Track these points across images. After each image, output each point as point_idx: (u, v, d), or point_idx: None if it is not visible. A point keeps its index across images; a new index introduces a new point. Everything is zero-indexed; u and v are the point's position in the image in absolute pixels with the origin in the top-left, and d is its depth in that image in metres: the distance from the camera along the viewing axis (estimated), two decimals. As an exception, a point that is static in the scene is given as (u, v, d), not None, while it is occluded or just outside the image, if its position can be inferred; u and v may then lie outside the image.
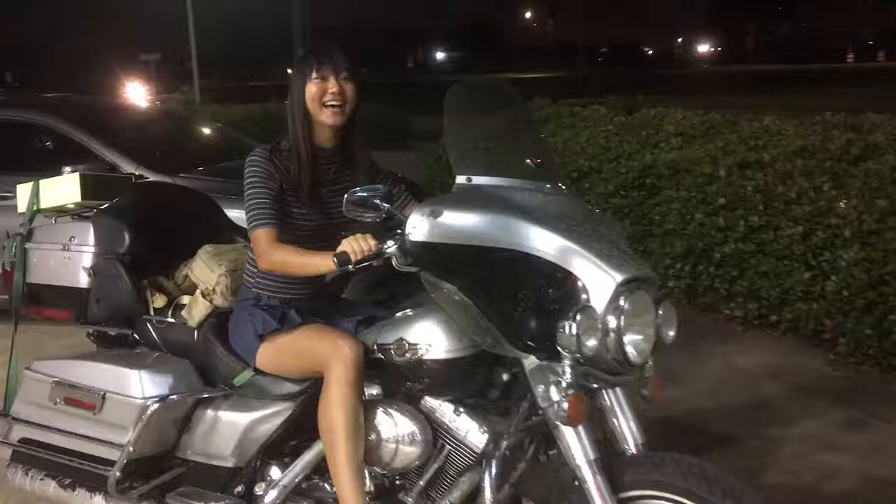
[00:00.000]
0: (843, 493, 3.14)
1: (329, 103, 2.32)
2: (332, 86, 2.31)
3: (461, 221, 2.01)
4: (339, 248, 2.11)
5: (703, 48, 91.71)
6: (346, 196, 2.12)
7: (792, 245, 4.44)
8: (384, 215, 2.13)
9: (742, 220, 4.74)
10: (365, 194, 2.12)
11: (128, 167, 5.20)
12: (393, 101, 17.37)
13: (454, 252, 2.01)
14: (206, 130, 7.15)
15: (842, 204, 4.36)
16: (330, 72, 2.32)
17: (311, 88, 2.32)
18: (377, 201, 2.11)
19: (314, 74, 2.31)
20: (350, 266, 2.08)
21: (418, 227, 2.02)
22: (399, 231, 2.09)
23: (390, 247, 2.08)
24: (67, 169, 3.05)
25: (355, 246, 2.10)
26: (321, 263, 2.19)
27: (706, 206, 5.01)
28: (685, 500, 1.92)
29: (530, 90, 9.55)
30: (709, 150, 5.46)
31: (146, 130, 6.43)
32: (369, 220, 2.16)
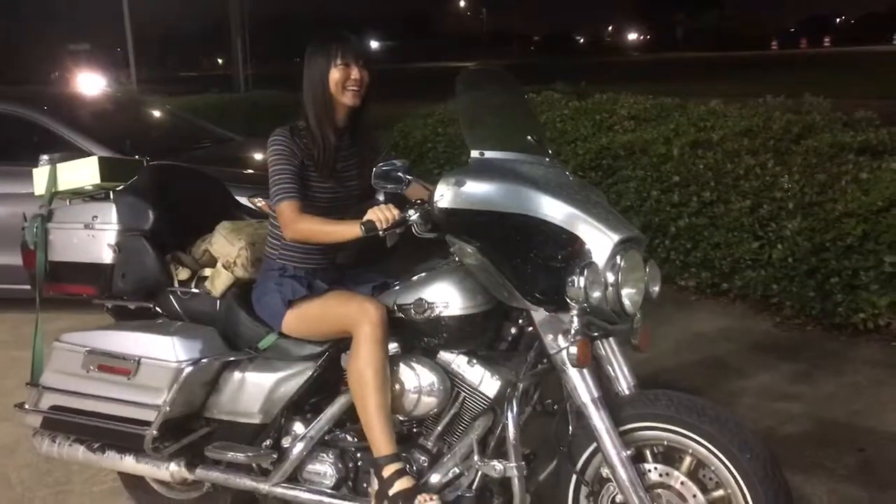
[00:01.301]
0: (795, 435, 3.51)
1: (350, 88, 2.55)
2: (354, 72, 2.54)
3: (481, 190, 2.27)
4: (366, 217, 2.35)
5: (633, 36, 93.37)
6: (374, 170, 2.35)
7: (741, 218, 4.81)
8: (406, 187, 2.38)
9: (695, 195, 5.10)
10: (388, 168, 2.37)
11: (101, 153, 5.29)
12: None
13: (475, 217, 2.27)
14: (168, 117, 7.21)
15: (785, 178, 4.74)
16: (352, 59, 2.55)
17: (335, 74, 2.54)
18: (400, 174, 2.36)
19: (339, 61, 2.54)
20: (379, 232, 2.32)
21: (445, 195, 2.27)
22: (419, 200, 2.35)
23: (413, 215, 2.32)
24: (45, 157, 3.15)
25: (380, 215, 2.33)
26: (347, 231, 2.41)
27: (661, 183, 5.35)
28: (677, 428, 2.22)
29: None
30: (661, 131, 5.81)
31: (110, 118, 6.49)
32: (391, 190, 2.41)
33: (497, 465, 2.31)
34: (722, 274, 4.99)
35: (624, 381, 2.41)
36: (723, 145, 5.32)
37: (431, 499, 2.33)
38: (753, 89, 6.81)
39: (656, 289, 2.41)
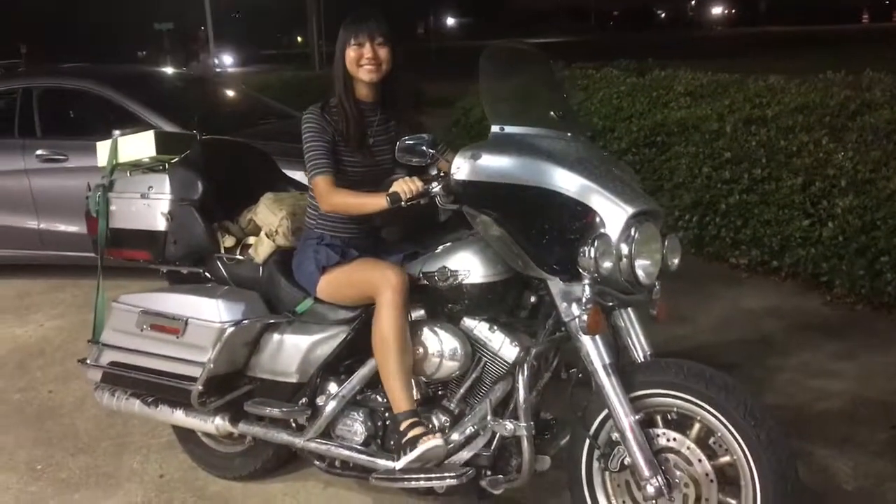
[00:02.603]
0: (829, 411, 3.51)
1: (365, 65, 2.68)
2: (368, 51, 2.68)
3: (497, 163, 2.38)
4: (391, 189, 2.48)
5: (717, 10, 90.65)
6: (398, 143, 2.48)
7: (792, 195, 4.77)
8: (429, 160, 2.49)
9: (746, 172, 5.07)
10: (413, 142, 2.48)
11: (169, 129, 5.55)
12: (405, 67, 17.56)
13: (491, 189, 2.37)
14: (236, 96, 7.49)
15: (840, 156, 4.68)
16: (366, 39, 2.68)
17: (350, 53, 2.69)
18: (424, 148, 2.47)
19: (352, 41, 2.68)
20: (402, 203, 2.45)
21: (461, 167, 2.38)
22: (442, 173, 2.46)
23: (435, 187, 2.45)
24: (117, 132, 3.38)
25: (405, 187, 2.47)
26: (375, 202, 2.56)
27: (713, 160, 5.33)
28: (685, 395, 2.30)
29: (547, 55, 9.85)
30: (716, 108, 5.77)
31: (183, 96, 6.78)
32: (416, 163, 2.53)
33: (508, 425, 2.43)
34: (772, 252, 4.96)
35: (640, 350, 2.49)
36: (777, 122, 5.26)
37: (434, 437, 2.49)
38: (836, 65, 6.63)
39: (676, 261, 2.48)
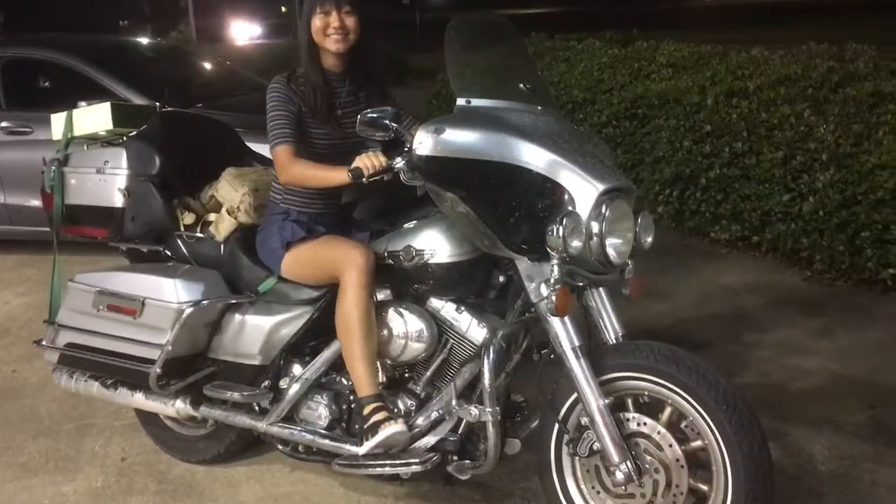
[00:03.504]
0: (806, 390, 3.46)
1: (332, 34, 2.56)
2: (334, 20, 2.55)
3: (462, 138, 2.27)
4: (353, 164, 2.38)
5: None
6: (359, 117, 2.37)
7: (773, 169, 4.69)
8: (392, 135, 2.38)
9: (727, 146, 4.98)
10: (376, 115, 2.36)
11: (138, 101, 5.41)
12: (389, 38, 17.35)
13: (456, 165, 2.27)
14: (211, 66, 7.31)
15: (821, 129, 4.59)
16: (332, 7, 2.55)
17: (316, 22, 2.57)
18: (386, 121, 2.35)
19: (318, 9, 2.56)
20: (363, 179, 2.35)
21: (424, 142, 2.28)
22: (407, 148, 2.35)
23: (399, 162, 2.34)
24: (83, 104, 3.27)
25: (367, 162, 2.36)
26: (336, 176, 2.45)
27: (693, 133, 5.24)
28: (656, 378, 2.23)
29: (529, 26, 9.69)
30: (697, 80, 5.67)
31: (154, 67, 6.61)
32: (379, 138, 2.42)
33: (473, 410, 2.35)
34: (752, 227, 4.89)
35: (612, 332, 2.41)
36: (758, 94, 5.16)
37: (396, 422, 2.41)
38: (824, 36, 6.53)
39: (649, 240, 2.39)
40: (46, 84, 6.12)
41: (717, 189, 5.04)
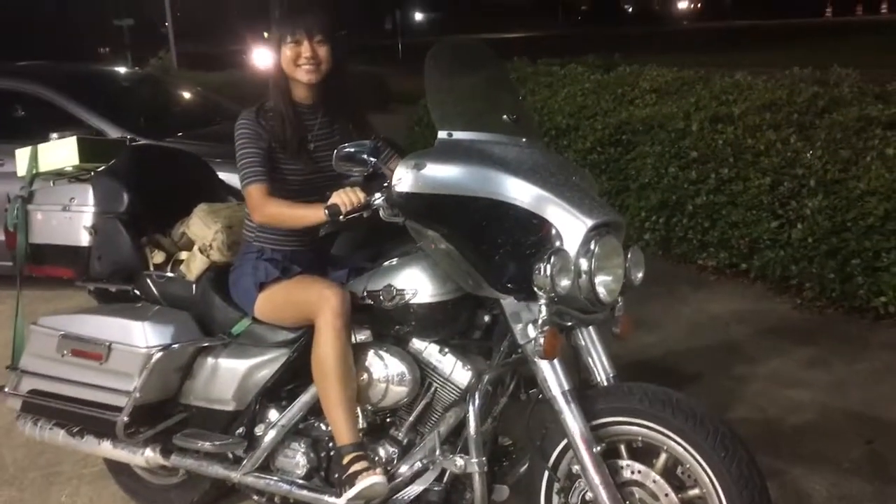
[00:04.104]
0: (801, 425, 3.36)
1: (303, 65, 2.45)
2: (306, 50, 2.45)
3: (443, 173, 2.16)
4: (330, 201, 2.26)
5: (683, 5, 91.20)
6: (335, 151, 2.26)
7: (760, 195, 4.63)
8: (371, 169, 2.27)
9: (713, 172, 4.92)
10: (353, 149, 2.25)
11: (113, 132, 5.29)
12: (371, 62, 17.35)
13: (437, 202, 2.16)
14: (188, 95, 7.22)
15: (808, 155, 4.53)
16: (303, 36, 2.45)
17: (286, 52, 2.46)
18: (364, 156, 2.24)
19: (289, 38, 2.45)
20: (340, 217, 2.23)
21: (403, 178, 2.17)
22: (386, 184, 2.24)
23: (378, 198, 2.23)
24: (55, 135, 3.14)
25: (345, 198, 2.25)
26: (313, 215, 2.34)
27: (679, 159, 5.18)
28: (650, 423, 2.11)
29: (511, 50, 9.68)
30: (682, 105, 5.61)
31: (129, 96, 6.50)
32: (357, 174, 2.31)
33: (458, 461, 2.23)
34: (741, 254, 4.82)
35: (603, 372, 2.30)
36: (744, 120, 5.11)
37: (375, 473, 2.28)
38: (799, 59, 6.54)
39: (640, 275, 2.29)
40: (18, 115, 5.98)
41: (703, 216, 4.97)
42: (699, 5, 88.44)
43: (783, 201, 4.55)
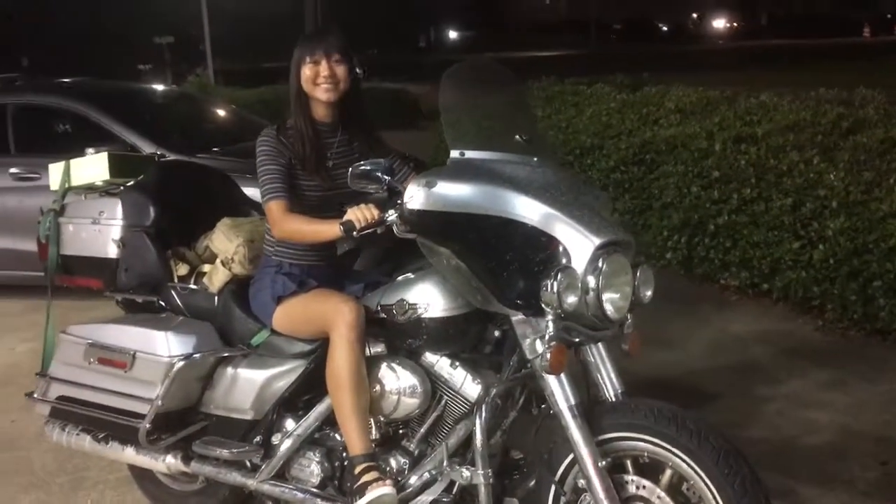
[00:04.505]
0: (817, 445, 3.35)
1: (321, 84, 2.54)
2: (324, 69, 2.54)
3: (453, 191, 2.23)
4: (345, 217, 2.34)
5: (719, 24, 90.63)
6: (350, 169, 2.33)
7: (782, 216, 4.63)
8: (385, 188, 2.34)
9: (735, 192, 4.93)
10: (368, 168, 2.33)
11: (147, 148, 5.44)
12: (405, 80, 17.49)
13: (448, 219, 2.22)
14: (222, 112, 7.38)
15: (831, 176, 4.53)
16: (322, 56, 2.54)
17: (306, 71, 2.55)
18: (378, 174, 2.32)
19: (308, 59, 2.54)
20: (354, 232, 2.31)
21: (415, 196, 2.24)
22: (399, 201, 2.31)
23: (391, 215, 2.30)
24: (90, 150, 3.28)
25: (359, 215, 2.32)
26: (328, 230, 2.42)
27: (702, 179, 5.20)
28: (655, 440, 2.14)
29: (542, 69, 9.73)
30: (705, 125, 5.63)
31: (164, 113, 6.67)
32: (372, 191, 2.38)
33: (465, 472, 2.28)
34: (762, 274, 4.82)
35: (611, 388, 2.33)
36: (767, 140, 5.12)
37: (385, 484, 2.34)
38: (830, 80, 6.52)
39: (649, 293, 2.33)
40: (56, 130, 6.17)
41: (725, 235, 4.97)
42: (735, 24, 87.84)
43: (805, 222, 4.55)
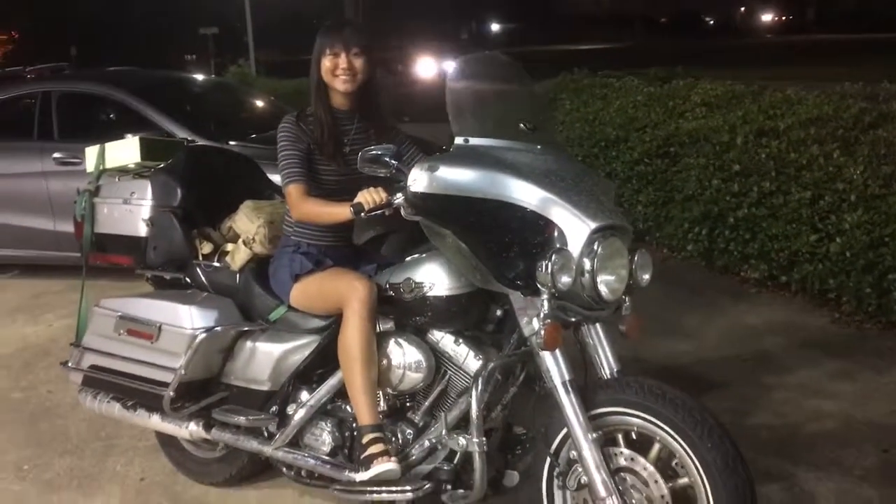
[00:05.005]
0: (820, 432, 3.41)
1: (340, 75, 2.68)
2: (343, 62, 2.68)
3: (455, 176, 2.35)
4: (356, 199, 2.48)
5: (766, 17, 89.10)
6: (360, 154, 2.47)
7: (800, 209, 4.66)
8: (393, 171, 2.48)
9: (755, 185, 4.97)
10: (378, 152, 2.47)
11: (182, 134, 5.64)
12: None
13: (449, 202, 2.35)
14: (256, 101, 7.57)
15: (851, 170, 4.56)
16: (341, 49, 2.68)
17: (326, 63, 2.70)
18: (387, 158, 2.45)
19: (328, 50, 2.68)
20: (363, 214, 2.45)
21: (418, 179, 2.37)
22: (404, 184, 2.45)
23: (398, 198, 2.43)
24: (129, 135, 3.47)
25: (368, 197, 2.46)
26: (341, 212, 2.56)
27: (722, 172, 5.24)
28: (643, 414, 2.26)
29: (579, 61, 9.77)
30: (728, 119, 5.67)
31: (200, 101, 6.88)
32: (381, 174, 2.51)
33: (461, 440, 2.41)
34: (780, 266, 4.85)
35: (607, 368, 2.45)
36: (789, 134, 5.14)
37: (389, 459, 2.47)
38: (866, 74, 6.47)
39: (646, 277, 2.43)
40: (97, 117, 6.41)
41: (745, 228, 5.02)
42: (782, 18, 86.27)
43: (823, 215, 4.58)
